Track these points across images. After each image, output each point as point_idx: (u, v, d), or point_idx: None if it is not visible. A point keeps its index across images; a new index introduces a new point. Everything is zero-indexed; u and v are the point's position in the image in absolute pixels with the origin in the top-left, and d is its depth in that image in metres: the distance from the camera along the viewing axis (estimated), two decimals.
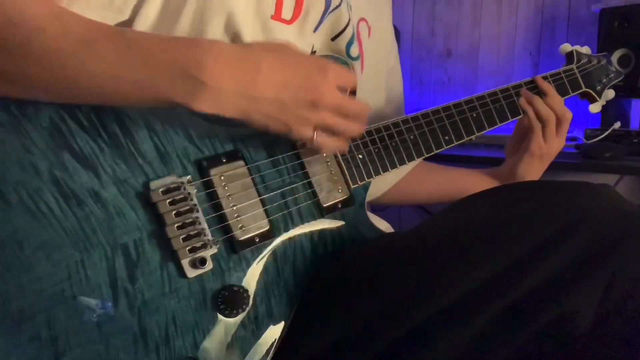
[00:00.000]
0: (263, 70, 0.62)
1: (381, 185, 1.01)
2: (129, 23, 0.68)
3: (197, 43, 0.61)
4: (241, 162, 0.68)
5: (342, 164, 0.75)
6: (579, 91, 1.00)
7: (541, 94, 0.94)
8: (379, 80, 0.96)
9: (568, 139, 1.65)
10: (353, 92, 0.82)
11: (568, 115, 0.94)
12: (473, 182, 1.04)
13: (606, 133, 1.45)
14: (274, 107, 0.63)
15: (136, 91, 0.58)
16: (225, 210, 0.65)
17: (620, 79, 1.07)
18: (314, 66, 0.66)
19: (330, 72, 0.66)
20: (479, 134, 0.88)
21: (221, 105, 0.60)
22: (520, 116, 0.93)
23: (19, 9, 0.56)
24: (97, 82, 0.58)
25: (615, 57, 1.46)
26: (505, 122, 0.92)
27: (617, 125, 1.46)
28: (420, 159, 0.83)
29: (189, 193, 0.63)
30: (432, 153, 0.83)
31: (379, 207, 1.07)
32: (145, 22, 0.68)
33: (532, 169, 0.96)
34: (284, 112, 0.63)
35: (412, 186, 1.04)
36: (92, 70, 0.57)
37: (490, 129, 0.90)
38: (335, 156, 0.75)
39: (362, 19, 0.90)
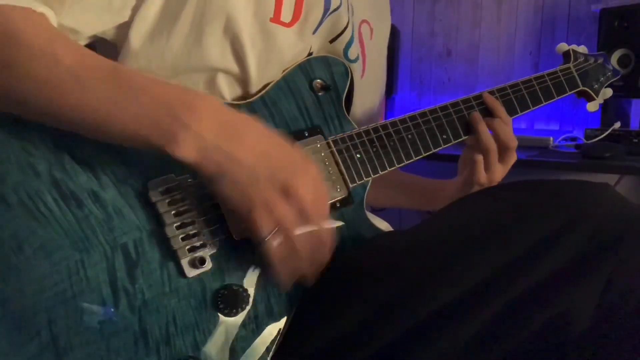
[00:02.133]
0: (249, 136, 0.60)
1: None
2: (127, 24, 0.68)
3: (192, 90, 0.60)
4: None
5: (340, 163, 0.75)
6: (576, 90, 1.01)
7: (493, 112, 0.87)
8: (377, 81, 0.96)
9: (568, 139, 1.66)
10: (350, 96, 0.82)
11: (512, 144, 0.87)
12: (414, 195, 1.04)
13: (606, 133, 1.45)
14: (246, 178, 0.59)
15: (118, 129, 0.57)
16: (224, 210, 0.65)
17: (617, 77, 1.07)
18: (300, 157, 0.63)
19: (313, 170, 0.63)
20: None
21: (198, 154, 0.57)
22: (518, 114, 0.93)
23: (14, 31, 0.56)
24: (80, 114, 0.57)
25: (615, 57, 1.46)
26: None
27: (617, 125, 1.46)
28: (418, 158, 0.83)
29: (188, 193, 0.63)
30: (430, 152, 0.83)
31: (379, 207, 1.07)
32: (144, 24, 0.68)
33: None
34: (253, 187, 0.59)
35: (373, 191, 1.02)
36: (76, 102, 0.57)
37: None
38: (333, 155, 0.75)
39: (364, 21, 0.90)
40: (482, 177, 0.87)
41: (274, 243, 0.60)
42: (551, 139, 1.59)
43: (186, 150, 0.57)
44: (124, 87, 0.58)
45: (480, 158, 0.86)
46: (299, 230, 0.61)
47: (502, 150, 0.87)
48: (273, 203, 0.59)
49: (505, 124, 0.87)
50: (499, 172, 0.88)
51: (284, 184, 0.59)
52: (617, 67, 1.13)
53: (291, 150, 0.63)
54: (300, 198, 0.60)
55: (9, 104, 0.58)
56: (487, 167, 0.87)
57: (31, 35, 0.57)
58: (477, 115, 0.86)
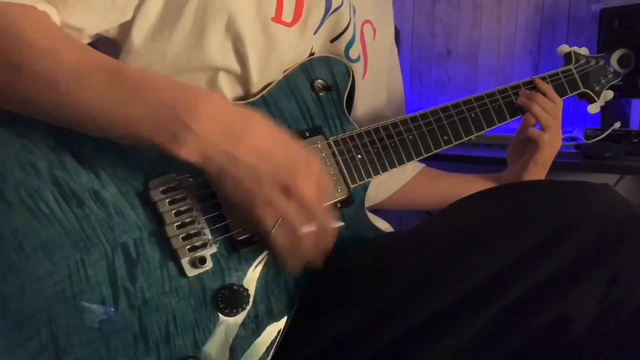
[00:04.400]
0: (252, 135, 0.60)
1: (384, 189, 1.01)
2: (129, 23, 0.68)
3: (194, 88, 0.60)
4: None
5: (341, 163, 0.75)
6: (578, 91, 1.01)
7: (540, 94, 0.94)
8: (380, 82, 0.96)
9: (568, 139, 1.66)
10: (352, 96, 0.82)
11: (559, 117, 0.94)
12: (478, 189, 1.03)
13: (606, 133, 1.45)
14: (248, 176, 0.59)
15: (122, 131, 0.58)
16: (224, 209, 0.65)
17: (618, 79, 1.07)
18: (304, 155, 0.63)
19: (316, 167, 0.63)
20: (477, 134, 0.88)
21: (200, 155, 0.58)
22: (518, 116, 0.93)
23: (17, 29, 0.56)
24: (82, 114, 0.57)
25: (615, 57, 1.46)
26: (504, 123, 0.92)
27: (617, 125, 1.46)
28: (419, 159, 0.83)
29: (188, 192, 0.63)
30: (431, 153, 0.83)
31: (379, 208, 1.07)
32: (145, 22, 0.68)
33: (537, 177, 0.97)
34: (255, 186, 0.59)
35: (415, 192, 1.04)
36: (79, 101, 0.57)
37: (489, 129, 0.90)
38: (334, 155, 0.75)
39: (367, 21, 0.90)
40: (545, 155, 0.94)
41: (279, 236, 0.61)
42: None
43: (188, 152, 0.57)
44: (127, 87, 0.58)
45: (544, 138, 0.93)
46: (303, 226, 0.62)
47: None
48: (275, 202, 0.60)
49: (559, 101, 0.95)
50: (556, 148, 0.96)
51: (286, 183, 0.60)
52: (617, 67, 1.13)
53: (294, 148, 0.63)
54: (302, 197, 0.60)
55: (11, 102, 0.58)
56: (550, 143, 0.94)
57: (33, 34, 0.57)
58: (525, 94, 0.92)
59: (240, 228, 0.65)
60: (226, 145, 0.58)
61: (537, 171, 0.96)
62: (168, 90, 0.59)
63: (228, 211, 0.65)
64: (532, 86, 0.95)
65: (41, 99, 0.57)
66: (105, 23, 0.67)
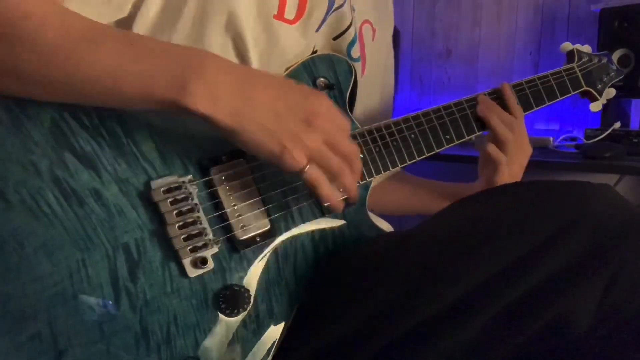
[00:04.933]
0: (261, 80, 0.62)
1: None
2: (128, 21, 0.68)
3: (201, 49, 0.62)
4: (242, 161, 0.68)
5: None
6: (580, 90, 1.00)
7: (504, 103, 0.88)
8: (377, 82, 0.96)
9: (568, 139, 1.66)
10: (353, 94, 0.82)
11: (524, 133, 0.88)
12: (440, 195, 1.02)
13: (606, 133, 1.45)
14: (269, 116, 0.60)
15: (134, 88, 0.58)
16: (226, 210, 0.65)
17: (621, 77, 1.07)
18: (312, 92, 0.66)
19: (326, 102, 0.64)
20: (479, 133, 0.88)
21: (215, 104, 0.58)
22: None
23: (23, 6, 0.56)
24: (95, 78, 0.57)
25: (615, 57, 1.46)
26: None
27: (617, 125, 1.46)
28: (420, 158, 0.83)
29: (190, 192, 0.63)
30: (433, 152, 0.83)
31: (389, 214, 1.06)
32: (145, 20, 0.68)
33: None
34: (278, 123, 0.60)
35: (383, 195, 1.01)
36: (91, 66, 0.57)
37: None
38: None
39: (366, 21, 0.90)
40: (505, 174, 0.87)
41: (314, 170, 0.62)
42: (551, 139, 1.59)
43: (200, 100, 0.57)
44: (137, 44, 0.59)
45: (504, 159, 0.86)
46: (330, 151, 0.63)
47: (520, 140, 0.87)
48: (300, 133, 0.61)
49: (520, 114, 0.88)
50: (517, 164, 0.88)
51: (305, 114, 0.61)
52: (618, 66, 1.12)
53: (302, 87, 0.65)
54: (322, 124, 0.62)
55: (21, 81, 0.57)
56: (508, 160, 0.87)
57: (39, 8, 0.57)
58: (484, 106, 0.86)
59: (240, 228, 0.65)
60: (240, 90, 0.59)
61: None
62: (179, 49, 0.61)
63: (229, 207, 0.65)
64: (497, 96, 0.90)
65: (53, 70, 0.56)
66: (100, 18, 0.67)
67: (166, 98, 0.57)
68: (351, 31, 0.82)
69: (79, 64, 0.57)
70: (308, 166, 0.62)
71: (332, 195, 0.65)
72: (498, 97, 0.89)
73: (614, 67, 1.05)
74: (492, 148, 0.86)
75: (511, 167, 0.87)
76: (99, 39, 0.58)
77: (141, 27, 0.68)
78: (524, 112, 0.92)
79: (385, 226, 0.87)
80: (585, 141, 1.49)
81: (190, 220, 0.62)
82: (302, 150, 0.61)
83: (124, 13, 0.68)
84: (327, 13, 0.78)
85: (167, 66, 0.58)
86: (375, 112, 0.96)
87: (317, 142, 0.62)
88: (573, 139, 1.62)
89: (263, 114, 0.60)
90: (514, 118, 0.87)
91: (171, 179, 0.63)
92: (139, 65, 0.57)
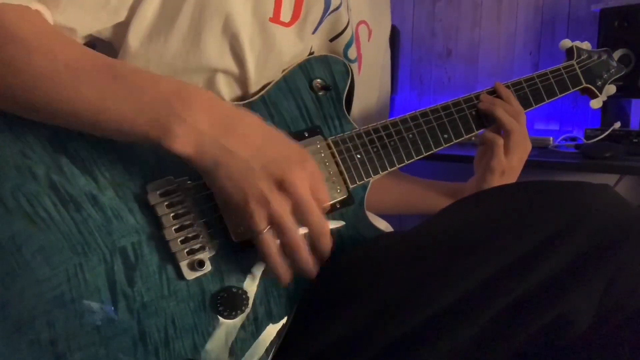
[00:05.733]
0: (245, 129, 0.60)
1: None
2: (125, 25, 0.68)
3: (188, 84, 0.60)
4: None
5: (340, 164, 0.75)
6: (579, 87, 1.00)
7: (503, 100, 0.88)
8: (374, 82, 0.96)
9: (568, 139, 1.65)
10: (350, 95, 0.82)
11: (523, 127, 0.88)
12: (435, 195, 1.01)
13: (606, 133, 1.45)
14: (242, 169, 0.58)
15: (115, 122, 0.57)
16: (221, 208, 0.65)
17: (621, 74, 1.06)
18: (297, 152, 0.62)
19: (311, 165, 0.62)
20: (478, 132, 0.87)
21: (194, 148, 0.57)
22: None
23: (11, 29, 0.57)
24: (76, 108, 0.57)
25: (615, 57, 1.46)
26: None
27: (617, 125, 1.46)
28: (419, 158, 0.83)
29: (186, 195, 0.63)
30: (431, 152, 0.83)
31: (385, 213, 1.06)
32: (142, 23, 0.68)
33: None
34: (248, 179, 0.58)
35: (379, 194, 0.99)
36: (73, 95, 0.57)
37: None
38: (334, 156, 0.75)
39: (363, 22, 0.90)
40: (502, 161, 0.86)
41: (270, 237, 0.60)
42: (551, 139, 1.59)
43: (182, 144, 0.57)
44: (121, 80, 0.58)
45: (501, 141, 0.86)
46: (295, 226, 0.60)
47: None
48: (268, 195, 0.58)
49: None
50: (518, 157, 0.88)
51: (280, 176, 0.59)
52: (618, 62, 1.12)
53: (288, 145, 0.62)
54: (296, 191, 0.59)
55: (6, 102, 0.58)
56: (507, 151, 0.86)
57: (27, 32, 0.57)
58: (487, 101, 0.86)
59: (239, 229, 0.65)
60: (221, 138, 0.58)
61: (494, 181, 0.88)
62: (163, 85, 0.59)
63: (225, 212, 0.65)
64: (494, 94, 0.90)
65: (34, 94, 0.57)
66: (97, 23, 0.68)
67: (148, 138, 0.57)
68: (348, 32, 0.82)
69: (61, 94, 0.57)
70: (265, 230, 0.59)
71: (279, 269, 0.62)
72: (497, 95, 0.89)
73: (614, 64, 1.05)
74: (488, 133, 0.87)
75: (511, 160, 0.87)
76: (84, 71, 0.58)
77: (138, 31, 0.68)
78: (524, 110, 0.92)
79: (384, 226, 0.86)
80: (585, 141, 1.48)
81: (186, 222, 0.62)
82: (264, 213, 0.59)
83: (121, 17, 0.68)
84: (323, 15, 0.78)
85: (151, 106, 0.57)
86: (372, 112, 0.96)
87: (282, 208, 0.59)
88: (573, 139, 1.62)
89: (238, 168, 0.58)
90: (518, 109, 0.88)
91: (167, 181, 0.63)
92: (122, 104, 0.57)
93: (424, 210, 1.03)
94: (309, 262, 0.63)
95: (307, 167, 0.61)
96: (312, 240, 0.63)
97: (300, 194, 0.59)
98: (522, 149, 0.88)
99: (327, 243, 0.64)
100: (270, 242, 0.60)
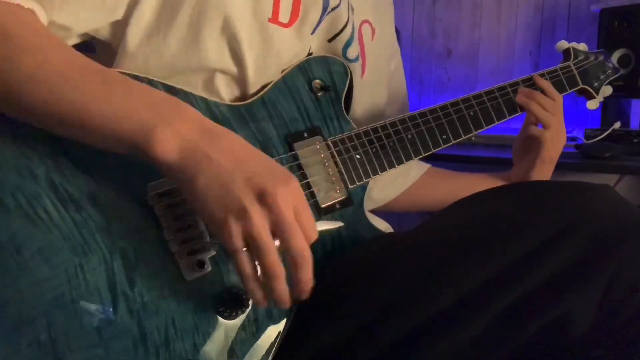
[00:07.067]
0: (230, 142, 0.57)
1: (389, 191, 1.00)
2: (123, 23, 0.68)
3: (176, 98, 0.60)
4: None
5: (340, 164, 0.75)
6: (576, 88, 1.00)
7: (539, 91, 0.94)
8: (379, 82, 0.96)
9: (568, 139, 1.65)
10: (350, 95, 0.82)
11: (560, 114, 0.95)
12: (485, 188, 1.02)
13: (606, 133, 1.45)
14: (223, 179, 0.54)
15: (99, 127, 0.56)
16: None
17: (618, 75, 1.06)
18: (281, 169, 0.58)
19: (294, 183, 0.57)
20: (476, 132, 0.88)
21: (177, 154, 0.55)
22: (517, 114, 0.93)
23: (4, 27, 0.57)
24: (62, 109, 0.56)
25: (615, 57, 1.46)
26: (503, 120, 0.92)
27: (617, 125, 1.46)
28: (417, 159, 0.83)
29: None
30: (430, 152, 0.83)
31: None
32: (140, 23, 0.68)
33: (544, 175, 0.97)
34: (228, 190, 0.54)
35: (423, 192, 1.03)
36: (60, 96, 0.56)
37: (488, 127, 0.90)
38: (333, 156, 0.75)
39: (366, 21, 0.89)
40: (550, 152, 0.94)
41: (246, 258, 0.56)
42: None
43: (166, 149, 0.55)
44: (109, 86, 0.58)
45: (547, 134, 0.92)
46: (273, 246, 0.55)
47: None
48: (248, 209, 0.54)
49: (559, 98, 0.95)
50: (560, 144, 0.96)
51: (261, 189, 0.55)
52: (615, 63, 1.12)
53: (274, 163, 0.59)
54: (278, 208, 0.55)
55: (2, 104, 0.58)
56: (553, 140, 0.93)
57: (19, 31, 0.57)
58: (522, 94, 0.92)
59: None
60: (205, 146, 0.56)
61: (545, 168, 0.96)
62: (150, 92, 0.59)
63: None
64: (530, 83, 0.95)
65: (24, 95, 0.56)
66: (94, 22, 0.67)
67: (133, 141, 0.56)
68: (347, 31, 0.82)
69: (47, 96, 0.56)
70: (242, 251, 0.55)
71: (255, 295, 0.58)
72: (532, 85, 0.94)
73: (611, 65, 1.05)
74: (533, 128, 0.94)
75: (550, 152, 0.94)
76: (72, 74, 0.57)
77: (136, 30, 0.68)
78: (521, 110, 0.93)
79: (384, 226, 0.86)
80: (585, 141, 1.48)
81: (187, 223, 0.62)
82: (241, 230, 0.54)
83: (118, 16, 0.68)
84: (322, 15, 0.78)
85: (137, 110, 0.56)
86: (383, 113, 0.95)
87: (262, 224, 0.54)
88: (573, 138, 1.62)
89: (217, 175, 0.55)
90: (553, 101, 0.93)
91: (167, 182, 0.63)
92: (108, 107, 0.56)
93: None
94: (284, 294, 0.58)
95: (292, 186, 0.57)
96: (292, 270, 0.57)
97: (282, 212, 0.55)
98: (560, 140, 0.95)
99: (308, 275, 0.57)
100: (246, 264, 0.56)
